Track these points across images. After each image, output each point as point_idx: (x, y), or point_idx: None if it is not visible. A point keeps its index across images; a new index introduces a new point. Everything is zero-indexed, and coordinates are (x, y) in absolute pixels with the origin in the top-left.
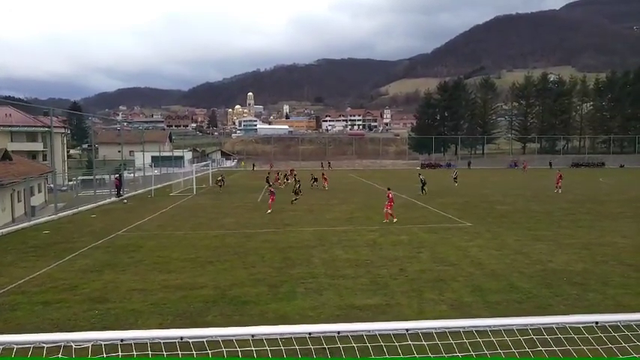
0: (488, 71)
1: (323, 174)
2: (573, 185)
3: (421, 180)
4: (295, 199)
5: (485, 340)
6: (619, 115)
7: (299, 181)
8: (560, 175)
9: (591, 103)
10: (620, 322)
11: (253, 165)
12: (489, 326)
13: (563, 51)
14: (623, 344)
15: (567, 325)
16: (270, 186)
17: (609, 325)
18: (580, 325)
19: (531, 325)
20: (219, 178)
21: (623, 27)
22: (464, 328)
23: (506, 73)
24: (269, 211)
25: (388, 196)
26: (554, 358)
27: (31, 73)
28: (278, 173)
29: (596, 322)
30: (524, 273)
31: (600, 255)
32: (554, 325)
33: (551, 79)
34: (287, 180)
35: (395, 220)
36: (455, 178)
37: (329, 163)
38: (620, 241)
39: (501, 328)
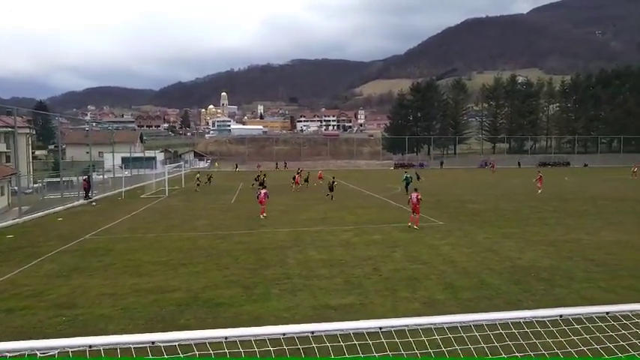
0: (459, 73)
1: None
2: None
3: (406, 178)
4: (329, 195)
5: (456, 335)
6: (583, 117)
7: (334, 177)
8: (541, 177)
9: (557, 104)
10: (582, 314)
11: (236, 165)
12: (460, 322)
13: (530, 54)
14: (585, 336)
15: (534, 320)
16: (258, 185)
17: (572, 318)
18: (546, 319)
19: (500, 320)
20: (209, 176)
21: (586, 32)
22: (435, 324)
23: (477, 74)
24: (264, 215)
25: (416, 198)
26: (524, 358)
27: None
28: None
29: (560, 316)
30: (494, 270)
31: (566, 251)
32: (521, 320)
33: (520, 80)
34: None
35: (414, 226)
36: (418, 177)
37: (285, 163)
38: (585, 238)
39: (471, 323)
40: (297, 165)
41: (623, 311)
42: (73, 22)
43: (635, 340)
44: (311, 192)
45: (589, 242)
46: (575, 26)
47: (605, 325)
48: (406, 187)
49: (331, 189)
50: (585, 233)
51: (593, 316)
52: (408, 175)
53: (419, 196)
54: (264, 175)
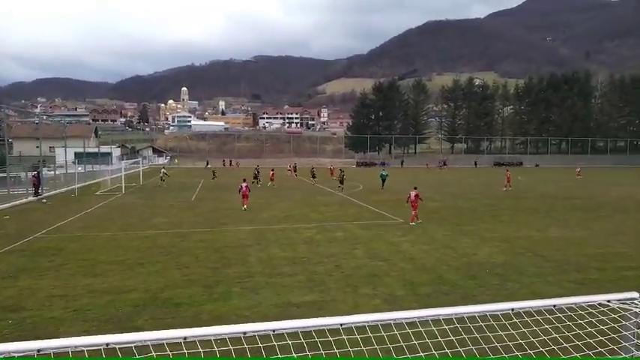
0: (420, 74)
1: (272, 170)
2: (495, 183)
3: (382, 175)
4: (340, 187)
5: (414, 330)
6: (535, 119)
7: (343, 170)
8: (509, 175)
9: (511, 107)
10: (531, 308)
11: (207, 162)
12: (418, 317)
13: (487, 57)
14: (534, 328)
15: (487, 313)
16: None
17: (523, 312)
18: (498, 313)
19: (456, 314)
20: (213, 171)
21: (538, 38)
22: (394, 320)
23: (437, 76)
24: (245, 207)
25: (414, 195)
26: (479, 358)
27: None
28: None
29: (512, 309)
30: (451, 266)
31: (518, 247)
32: (475, 314)
33: (477, 83)
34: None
35: (413, 222)
36: (313, 176)
37: (230, 161)
38: (535, 235)
39: (429, 318)
40: (258, 162)
41: (568, 304)
42: (21, 8)
43: (578, 330)
44: (275, 189)
45: (539, 239)
46: (528, 32)
47: (553, 317)
48: (382, 183)
49: (342, 182)
50: (536, 230)
51: (542, 309)
52: (384, 173)
53: (418, 194)
54: (257, 169)
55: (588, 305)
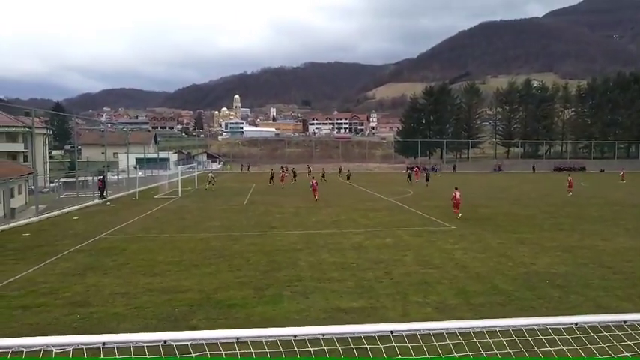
0: (473, 77)
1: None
2: (555, 189)
3: (427, 175)
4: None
5: (468, 341)
6: (599, 122)
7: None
8: (569, 181)
9: (573, 109)
10: (598, 323)
11: (284, 168)
12: (472, 328)
13: (545, 58)
14: (602, 344)
15: (548, 327)
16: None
17: (588, 326)
18: (560, 327)
19: (513, 326)
20: (316, 173)
21: (602, 36)
22: (447, 329)
23: (491, 78)
24: (316, 198)
25: (455, 196)
26: (535, 358)
27: (1, 72)
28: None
29: (576, 323)
30: (507, 275)
31: (581, 257)
32: (535, 327)
33: (534, 85)
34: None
35: (459, 215)
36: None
37: (248, 166)
38: (600, 244)
39: (484, 329)
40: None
41: None
42: (88, 26)
43: None
44: (323, 196)
45: (605, 248)
46: (591, 30)
47: (623, 334)
48: (426, 180)
49: (348, 177)
50: (601, 239)
51: (610, 324)
52: (428, 173)
53: (459, 194)
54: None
55: None
